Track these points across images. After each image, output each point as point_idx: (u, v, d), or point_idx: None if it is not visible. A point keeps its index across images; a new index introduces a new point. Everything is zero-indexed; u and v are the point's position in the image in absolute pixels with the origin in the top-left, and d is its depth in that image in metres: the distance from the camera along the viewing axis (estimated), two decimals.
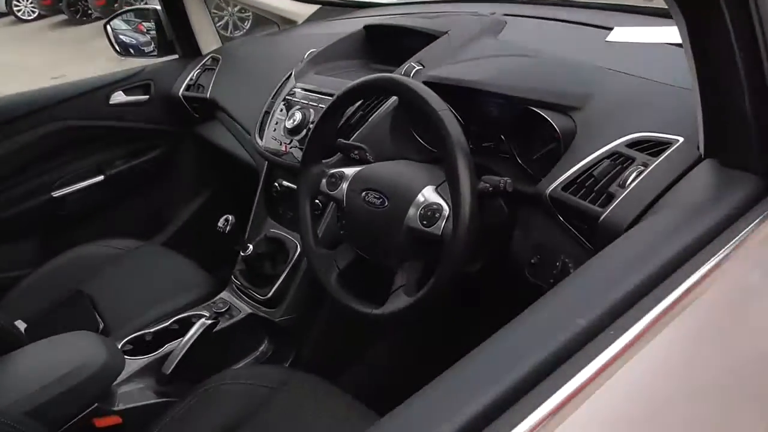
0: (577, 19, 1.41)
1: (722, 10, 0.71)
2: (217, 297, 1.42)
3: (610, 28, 1.30)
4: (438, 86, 1.05)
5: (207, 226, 2.05)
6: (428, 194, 0.96)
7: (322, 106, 1.30)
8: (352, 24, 1.76)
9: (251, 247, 1.32)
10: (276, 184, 1.46)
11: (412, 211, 0.96)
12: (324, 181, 1.11)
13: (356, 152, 1.16)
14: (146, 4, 8.85)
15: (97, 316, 1.40)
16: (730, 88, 0.76)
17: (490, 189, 0.97)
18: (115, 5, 9.41)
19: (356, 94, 1.06)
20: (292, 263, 1.33)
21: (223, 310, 1.35)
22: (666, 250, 0.65)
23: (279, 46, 1.81)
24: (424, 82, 1.04)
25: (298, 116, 1.31)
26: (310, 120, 1.30)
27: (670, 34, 1.25)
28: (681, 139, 0.89)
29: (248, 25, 7.45)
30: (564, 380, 0.50)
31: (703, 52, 0.77)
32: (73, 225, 1.84)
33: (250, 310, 1.37)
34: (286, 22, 2.00)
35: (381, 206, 0.99)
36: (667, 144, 0.90)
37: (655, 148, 0.91)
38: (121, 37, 2.01)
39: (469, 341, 1.70)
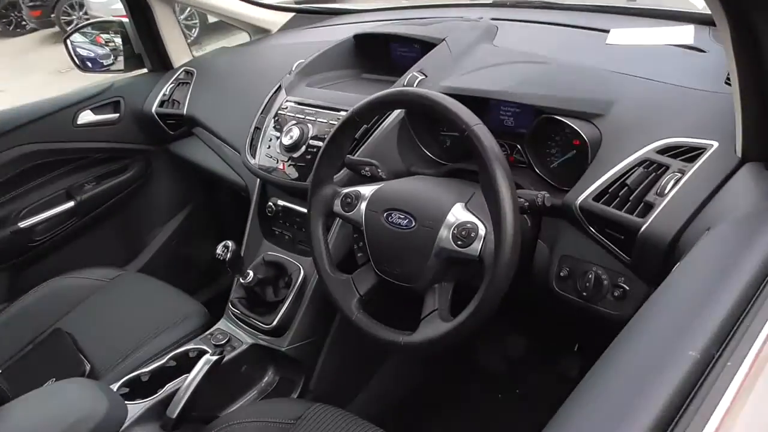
0: (566, 22, 1.39)
1: None
2: (215, 327, 1.32)
3: (606, 31, 1.28)
4: (454, 97, 1.00)
5: (188, 248, 1.95)
6: (459, 213, 0.91)
7: (321, 120, 1.23)
8: (332, 32, 1.70)
9: (251, 273, 1.23)
10: (270, 203, 1.38)
11: (444, 232, 0.90)
12: (338, 201, 1.04)
13: (367, 169, 1.10)
14: (86, 14, 8.51)
15: (82, 357, 1.29)
16: None
17: (527, 204, 0.93)
18: (51, 16, 8.99)
19: (376, 108, 0.99)
20: (296, 289, 1.25)
21: (223, 341, 1.26)
22: (744, 267, 0.61)
23: (258, 56, 1.73)
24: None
25: (296, 132, 1.23)
26: (309, 135, 1.23)
27: (669, 34, 1.25)
28: (715, 143, 0.88)
29: (196, 33, 7.22)
30: (702, 420, 0.46)
31: (748, 54, 0.75)
32: (44, 256, 1.70)
33: (251, 341, 1.28)
34: (259, 32, 1.92)
35: (408, 227, 0.93)
36: (701, 149, 0.88)
37: (688, 153, 0.89)
38: (78, 50, 1.88)
39: (481, 359, 1.65)
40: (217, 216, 2.03)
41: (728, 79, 1.01)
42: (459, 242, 0.88)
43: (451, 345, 0.89)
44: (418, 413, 1.54)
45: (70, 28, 8.47)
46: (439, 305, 0.91)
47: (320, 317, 1.27)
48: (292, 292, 1.25)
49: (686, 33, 1.23)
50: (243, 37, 1.99)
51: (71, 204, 1.69)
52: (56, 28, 8.90)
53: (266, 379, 1.31)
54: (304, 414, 1.05)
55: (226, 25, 1.92)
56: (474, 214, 0.90)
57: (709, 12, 1.32)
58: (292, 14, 1.92)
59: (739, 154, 0.85)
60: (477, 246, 0.87)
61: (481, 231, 0.87)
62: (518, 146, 1.09)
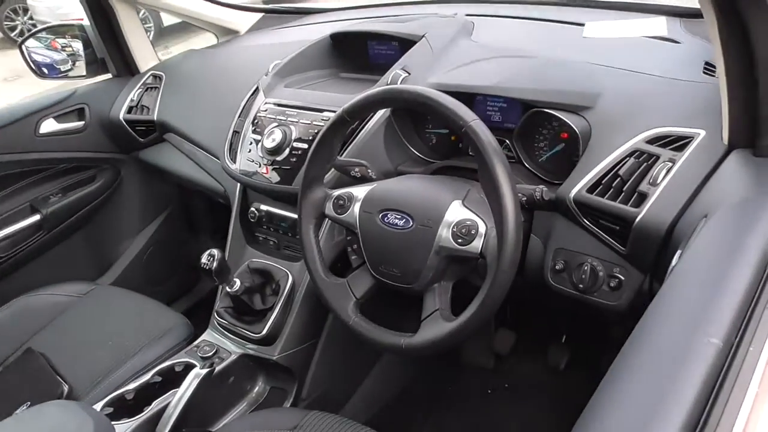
0: (539, 16, 1.40)
1: (766, 4, 0.70)
2: (200, 339, 1.28)
3: (581, 24, 1.30)
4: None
5: (163, 258, 1.89)
6: (457, 210, 0.90)
7: (304, 121, 1.20)
8: (304, 32, 1.68)
9: (238, 282, 1.19)
10: (253, 209, 1.35)
11: (443, 230, 0.89)
12: (329, 204, 1.02)
13: (356, 170, 1.08)
14: (31, 19, 8.18)
15: (59, 378, 1.23)
16: (767, 80, 0.76)
17: (524, 199, 0.92)
18: None
19: (367, 107, 0.97)
20: (285, 295, 1.22)
21: (211, 353, 1.22)
22: (750, 252, 0.62)
23: (229, 58, 1.68)
24: None
25: (278, 134, 1.20)
26: (292, 138, 1.20)
27: (642, 26, 1.28)
28: (703, 132, 0.89)
29: (151, 36, 7.02)
30: (735, 409, 0.46)
31: (736, 45, 0.77)
32: (9, 274, 1.61)
33: (240, 351, 1.24)
34: (227, 33, 1.88)
35: (405, 227, 0.92)
36: (689, 138, 0.90)
37: (676, 142, 0.90)
38: (34, 56, 1.80)
39: (468, 355, 1.63)
40: (193, 224, 1.98)
41: (706, 68, 1.04)
42: (459, 240, 0.87)
43: (455, 345, 0.88)
44: (410, 413, 1.53)
45: (13, 34, 8.17)
46: (440, 305, 0.90)
47: (311, 323, 1.24)
48: (281, 299, 1.22)
49: (659, 24, 1.26)
50: (203, 40, 1.94)
51: (36, 218, 1.61)
52: None
53: (257, 389, 1.28)
54: (301, 423, 1.03)
55: (182, 28, 1.88)
56: (472, 211, 0.89)
57: (679, 4, 1.36)
58: (261, 15, 1.88)
59: (725, 141, 0.86)
60: (478, 243, 0.86)
61: (482, 228, 0.87)
62: (506, 141, 1.09)
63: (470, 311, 0.85)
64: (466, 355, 1.63)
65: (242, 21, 1.85)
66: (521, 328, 1.63)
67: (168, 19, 6.31)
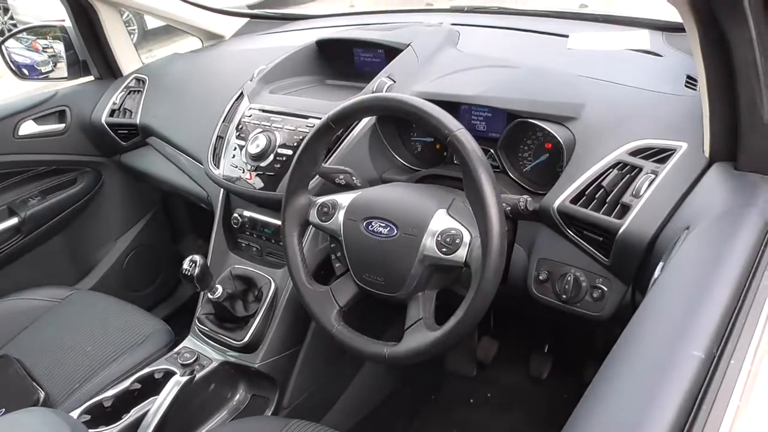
0: (525, 27, 1.42)
1: (747, 20, 0.71)
2: (181, 346, 1.26)
3: (565, 35, 1.31)
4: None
5: (143, 263, 1.87)
6: (441, 219, 0.90)
7: (289, 127, 1.20)
8: (289, 38, 1.68)
9: (220, 288, 1.18)
10: (236, 215, 1.33)
11: (428, 239, 0.89)
12: (313, 211, 1.01)
13: (341, 177, 1.07)
14: (12, 19, 8.06)
15: (35, 384, 1.20)
16: (747, 95, 0.77)
17: (508, 209, 0.92)
18: None
19: (352, 114, 0.97)
20: (267, 302, 1.21)
21: (191, 360, 1.20)
22: (731, 264, 0.63)
23: (214, 63, 1.67)
24: None
25: (262, 140, 1.19)
26: (277, 144, 1.19)
27: (626, 39, 1.29)
28: (685, 145, 0.90)
29: (135, 39, 6.96)
30: (716, 423, 0.46)
31: (718, 60, 0.78)
32: None
33: (221, 358, 1.23)
34: (212, 37, 1.87)
35: (389, 236, 0.91)
36: (671, 150, 0.91)
37: (659, 155, 0.91)
38: (14, 56, 1.77)
39: (451, 364, 1.63)
40: (174, 229, 1.96)
41: (687, 82, 1.05)
42: (444, 249, 0.87)
43: (438, 354, 0.88)
44: (392, 421, 1.52)
45: None
46: (423, 314, 0.90)
47: (293, 331, 1.23)
48: (264, 306, 1.21)
49: (642, 38, 1.28)
50: (187, 44, 1.93)
51: (14, 221, 1.58)
52: None
53: (237, 397, 1.26)
54: (282, 431, 1.02)
55: (167, 32, 1.86)
56: (457, 220, 0.89)
57: (661, 18, 1.38)
58: (246, 20, 1.88)
59: (707, 154, 0.88)
60: (462, 252, 0.86)
61: (466, 237, 0.87)
62: (491, 151, 1.10)
63: (454, 320, 0.84)
64: (449, 364, 1.63)
65: (227, 25, 1.84)
66: (504, 337, 1.64)
67: (152, 23, 6.26)
